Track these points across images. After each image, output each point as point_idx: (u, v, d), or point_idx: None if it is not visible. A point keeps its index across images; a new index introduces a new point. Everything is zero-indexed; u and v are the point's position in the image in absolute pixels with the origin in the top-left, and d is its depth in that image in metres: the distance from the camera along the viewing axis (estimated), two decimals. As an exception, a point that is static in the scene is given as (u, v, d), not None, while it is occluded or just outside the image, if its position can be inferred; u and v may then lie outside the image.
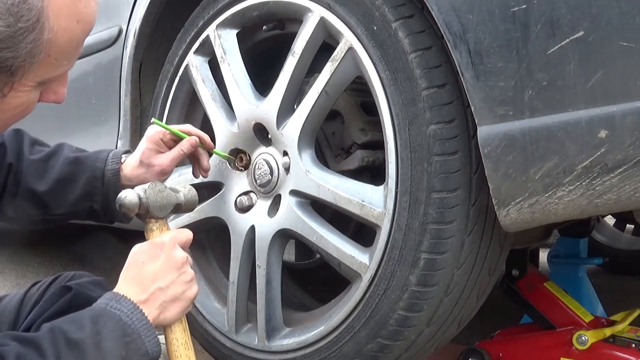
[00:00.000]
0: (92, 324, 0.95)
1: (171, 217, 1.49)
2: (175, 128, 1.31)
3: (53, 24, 0.84)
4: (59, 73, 0.93)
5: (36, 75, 0.88)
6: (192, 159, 1.36)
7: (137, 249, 1.06)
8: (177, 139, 1.32)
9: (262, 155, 1.40)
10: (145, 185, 1.10)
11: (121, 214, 1.11)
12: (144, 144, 1.31)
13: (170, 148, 1.32)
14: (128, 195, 1.08)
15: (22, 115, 0.94)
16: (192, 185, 1.51)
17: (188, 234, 1.11)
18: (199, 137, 1.32)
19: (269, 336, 1.37)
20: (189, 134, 1.31)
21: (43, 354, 0.90)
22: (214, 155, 1.44)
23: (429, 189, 1.11)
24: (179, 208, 1.15)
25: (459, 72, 1.03)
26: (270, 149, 1.39)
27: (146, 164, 1.30)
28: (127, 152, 1.35)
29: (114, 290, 1.01)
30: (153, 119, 1.34)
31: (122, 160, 1.32)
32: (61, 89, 0.97)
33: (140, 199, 1.08)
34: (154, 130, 1.32)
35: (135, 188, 1.10)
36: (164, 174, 1.32)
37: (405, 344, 1.22)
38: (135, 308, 0.98)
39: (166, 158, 1.30)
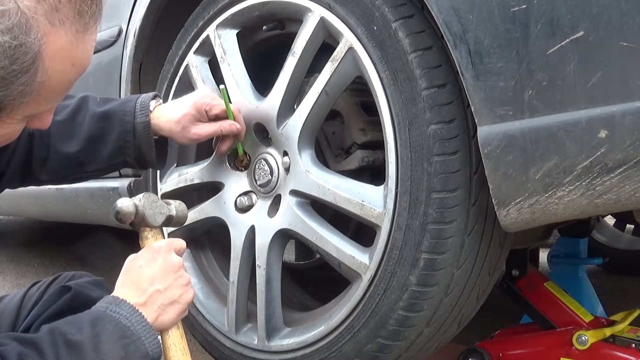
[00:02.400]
0: (91, 327, 0.95)
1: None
2: (230, 107, 1.33)
3: (47, 67, 0.82)
4: (47, 109, 0.92)
5: (25, 111, 0.87)
6: (217, 136, 1.38)
7: (133, 256, 1.07)
8: (220, 115, 1.33)
9: (262, 155, 1.40)
10: (140, 195, 1.13)
11: (117, 221, 1.12)
12: (187, 108, 1.31)
13: (209, 120, 1.33)
14: (125, 204, 1.10)
15: (7, 141, 0.93)
16: (192, 185, 1.52)
17: (182, 243, 1.13)
18: (241, 126, 1.34)
19: (269, 336, 1.37)
20: (235, 118, 1.33)
21: (43, 354, 0.90)
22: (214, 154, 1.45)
23: (429, 189, 1.11)
24: (170, 220, 1.18)
25: (459, 72, 1.03)
26: (270, 149, 1.39)
27: (183, 125, 1.31)
28: (155, 97, 1.34)
29: (113, 294, 1.02)
30: (222, 86, 1.34)
31: (152, 109, 1.31)
32: (48, 118, 0.96)
33: (136, 207, 1.10)
34: (202, 100, 1.32)
35: (132, 198, 1.12)
36: (193, 142, 1.36)
37: (405, 344, 1.22)
38: (134, 311, 0.99)
39: (204, 131, 1.33)
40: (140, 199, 1.12)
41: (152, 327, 1.00)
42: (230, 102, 1.34)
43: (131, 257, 1.07)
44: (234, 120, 1.33)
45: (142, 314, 0.99)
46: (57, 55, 0.83)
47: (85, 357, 0.92)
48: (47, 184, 1.36)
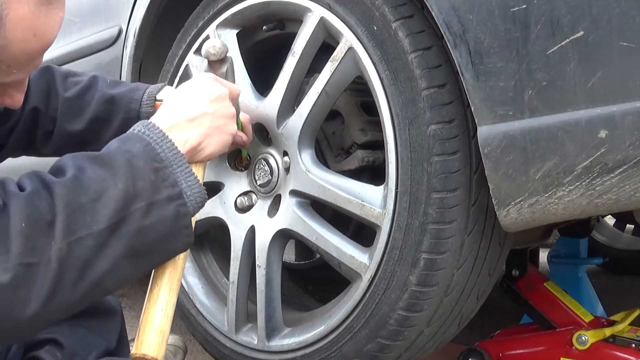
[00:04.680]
0: (120, 143, 0.89)
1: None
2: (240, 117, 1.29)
3: (8, 32, 0.84)
4: (11, 80, 0.93)
5: None
6: None
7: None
8: None
9: (262, 155, 1.40)
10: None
11: (206, 53, 1.11)
12: None
13: None
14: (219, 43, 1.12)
15: None
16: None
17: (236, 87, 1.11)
18: (248, 137, 1.32)
19: (269, 336, 1.37)
20: (244, 128, 1.30)
21: (62, 170, 0.83)
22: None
23: (429, 189, 1.11)
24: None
25: (459, 72, 1.03)
26: (270, 149, 1.39)
27: None
28: (163, 87, 1.32)
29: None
30: None
31: (160, 99, 1.29)
32: (17, 95, 0.97)
33: (226, 54, 1.13)
34: None
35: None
36: None
37: (405, 344, 1.22)
38: (164, 137, 0.91)
39: None
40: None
41: (184, 157, 0.91)
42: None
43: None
44: (243, 130, 1.31)
45: (173, 141, 0.91)
46: (19, 23, 0.84)
47: (116, 169, 0.84)
48: (50, 157, 1.36)
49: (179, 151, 0.91)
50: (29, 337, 0.84)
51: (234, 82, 1.17)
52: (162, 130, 0.92)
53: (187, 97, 1.00)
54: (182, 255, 0.95)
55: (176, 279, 0.94)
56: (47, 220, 0.78)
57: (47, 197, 0.79)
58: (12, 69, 0.89)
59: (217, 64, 1.13)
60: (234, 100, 1.09)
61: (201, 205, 0.93)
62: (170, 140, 0.91)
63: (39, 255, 0.77)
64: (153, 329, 0.90)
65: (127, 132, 0.93)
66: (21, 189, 0.80)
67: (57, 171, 0.85)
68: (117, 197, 0.82)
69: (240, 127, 1.29)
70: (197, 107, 0.98)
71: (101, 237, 0.81)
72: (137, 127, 0.92)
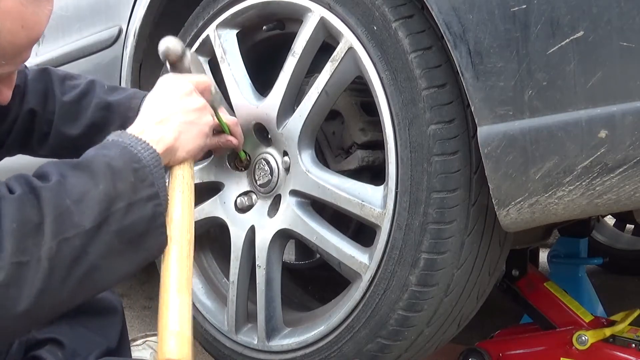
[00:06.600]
0: (97, 149, 0.91)
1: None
2: (225, 120, 1.29)
3: None
4: None
5: None
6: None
7: None
8: (218, 129, 1.29)
9: (262, 155, 1.40)
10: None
11: (162, 54, 1.10)
12: None
13: None
14: (175, 42, 1.09)
15: None
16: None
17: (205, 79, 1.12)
18: (238, 140, 1.32)
19: (269, 336, 1.37)
20: (232, 131, 1.30)
21: (46, 176, 0.85)
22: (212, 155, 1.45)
23: (429, 189, 1.11)
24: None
25: (459, 72, 1.03)
26: (270, 149, 1.39)
27: None
28: None
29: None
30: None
31: None
32: (5, 90, 0.99)
33: (184, 52, 1.10)
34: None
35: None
36: None
37: (405, 344, 1.22)
38: (137, 139, 0.93)
39: None
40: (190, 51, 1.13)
41: (160, 156, 0.93)
42: (226, 114, 1.31)
43: None
44: (231, 134, 1.31)
45: (147, 141, 0.93)
46: (7, 15, 0.86)
47: (96, 173, 0.86)
48: (46, 158, 1.37)
49: (155, 150, 0.93)
50: (20, 335, 0.87)
51: (199, 72, 1.17)
52: (134, 135, 0.94)
53: (153, 103, 1.02)
54: (188, 254, 0.96)
55: (185, 278, 0.95)
56: (35, 223, 0.80)
57: (34, 201, 0.82)
58: (0, 60, 0.90)
59: (178, 62, 1.11)
60: (205, 91, 1.10)
61: (165, 208, 0.95)
62: (145, 141, 0.93)
63: (29, 254, 0.79)
64: (170, 332, 0.91)
65: (102, 142, 0.95)
66: (10, 191, 0.82)
67: (41, 176, 0.87)
68: (99, 199, 0.85)
69: (228, 130, 1.29)
70: (163, 109, 1.00)
71: (87, 237, 0.83)
72: (110, 137, 0.95)
